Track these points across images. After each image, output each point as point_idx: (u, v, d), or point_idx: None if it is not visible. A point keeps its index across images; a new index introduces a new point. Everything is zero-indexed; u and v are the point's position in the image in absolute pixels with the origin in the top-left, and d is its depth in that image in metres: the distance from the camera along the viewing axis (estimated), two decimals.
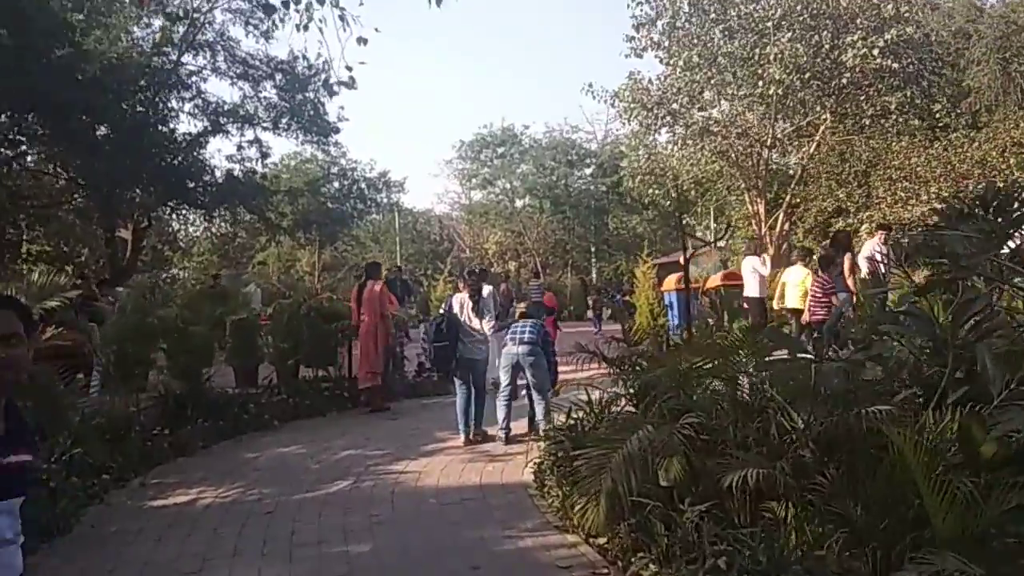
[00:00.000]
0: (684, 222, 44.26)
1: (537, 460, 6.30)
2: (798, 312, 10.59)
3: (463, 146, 40.56)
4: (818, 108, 17.40)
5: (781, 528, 3.70)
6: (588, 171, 40.78)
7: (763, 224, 20.21)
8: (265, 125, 29.10)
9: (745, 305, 12.12)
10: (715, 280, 14.20)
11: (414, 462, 7.08)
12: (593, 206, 40.32)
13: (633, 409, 5.67)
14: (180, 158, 24.50)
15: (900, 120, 16.35)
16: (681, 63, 18.36)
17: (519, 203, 41.35)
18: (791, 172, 20.91)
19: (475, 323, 7.59)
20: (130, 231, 25.43)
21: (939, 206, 15.33)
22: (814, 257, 11.58)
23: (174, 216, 29.84)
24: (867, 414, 3.65)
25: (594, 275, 39.40)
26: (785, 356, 4.82)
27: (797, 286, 10.72)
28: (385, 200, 35.93)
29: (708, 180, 22.06)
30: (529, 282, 27.98)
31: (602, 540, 4.46)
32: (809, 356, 4.60)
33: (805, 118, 18.77)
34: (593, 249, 42.00)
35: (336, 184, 31.73)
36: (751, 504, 3.91)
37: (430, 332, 7.79)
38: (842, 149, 16.91)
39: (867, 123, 16.73)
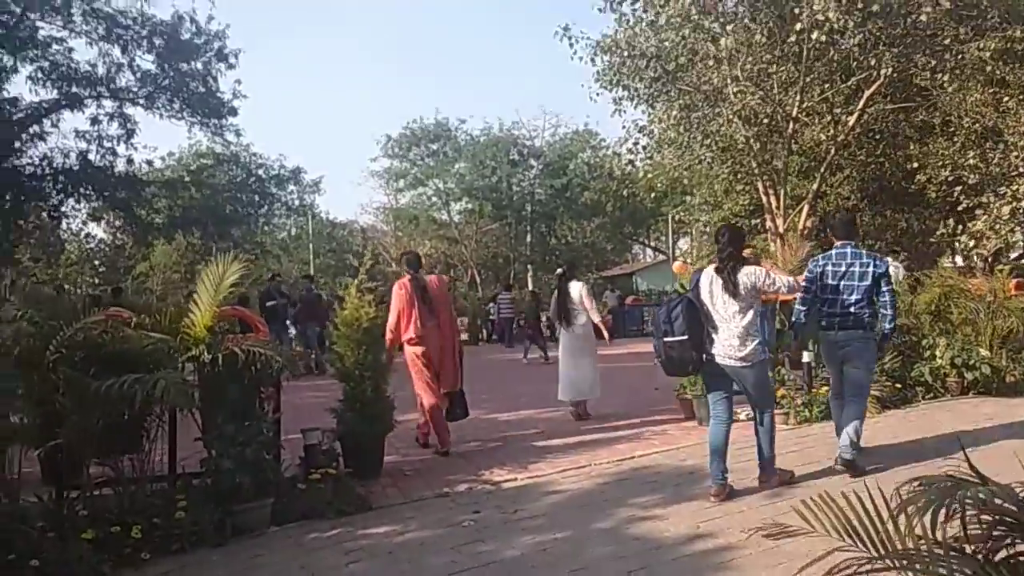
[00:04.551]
0: (635, 229, 40.01)
1: None
2: None
3: (389, 142, 35.06)
4: (872, 61, 12.87)
5: None
6: (532, 173, 35.90)
7: (780, 220, 15.60)
8: (139, 101, 23.14)
9: None
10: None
11: None
12: (539, 212, 35.44)
13: None
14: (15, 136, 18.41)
15: (999, 72, 11.94)
16: (679, 5, 13.57)
17: (455, 206, 36.09)
18: (812, 154, 16.44)
19: (727, 310, 5.10)
20: None
21: None
22: None
23: (55, 218, 23.58)
24: None
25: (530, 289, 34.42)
26: None
27: None
28: (296, 201, 30.21)
29: (703, 170, 17.39)
30: (497, 297, 22.95)
31: None
32: None
33: (846, 80, 14.27)
34: (536, 260, 37.14)
35: (230, 175, 25.62)
36: None
37: (658, 321, 5.36)
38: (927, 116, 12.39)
39: (944, 80, 12.25)
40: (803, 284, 5.67)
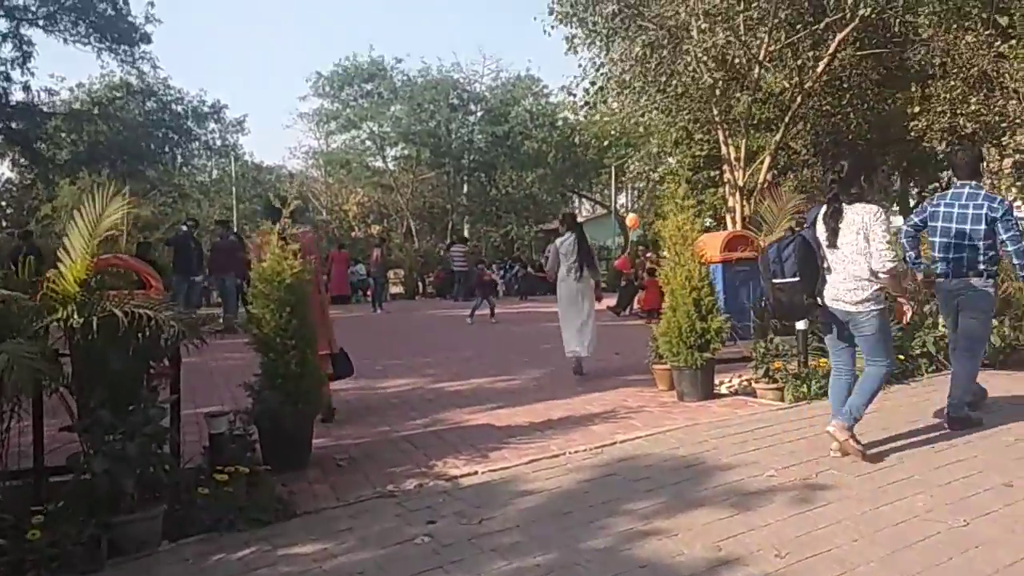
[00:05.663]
0: (577, 182, 38.88)
1: None
2: None
3: (320, 80, 32.90)
4: (849, 1, 11.96)
5: None
6: (472, 119, 34.30)
7: (741, 172, 14.81)
8: (37, 21, 20.71)
9: None
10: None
11: None
12: (479, 161, 34.01)
13: None
14: None
15: (981, 13, 11.17)
16: None
17: (391, 152, 34.30)
18: (775, 103, 15.61)
19: (843, 251, 4.44)
20: None
21: None
22: None
23: None
24: None
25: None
26: None
27: None
28: (218, 141, 28.00)
29: (660, 117, 16.36)
30: (451, 248, 21.57)
31: None
32: None
33: (816, 23, 13.37)
34: (475, 211, 35.79)
35: (143, 108, 23.30)
36: None
37: (767, 260, 4.71)
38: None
39: (924, 23, 11.43)
40: (908, 229, 5.54)
